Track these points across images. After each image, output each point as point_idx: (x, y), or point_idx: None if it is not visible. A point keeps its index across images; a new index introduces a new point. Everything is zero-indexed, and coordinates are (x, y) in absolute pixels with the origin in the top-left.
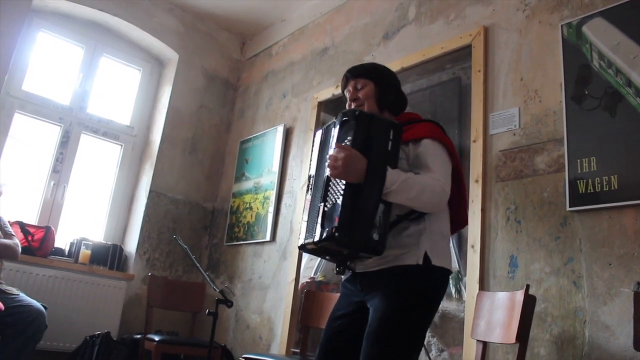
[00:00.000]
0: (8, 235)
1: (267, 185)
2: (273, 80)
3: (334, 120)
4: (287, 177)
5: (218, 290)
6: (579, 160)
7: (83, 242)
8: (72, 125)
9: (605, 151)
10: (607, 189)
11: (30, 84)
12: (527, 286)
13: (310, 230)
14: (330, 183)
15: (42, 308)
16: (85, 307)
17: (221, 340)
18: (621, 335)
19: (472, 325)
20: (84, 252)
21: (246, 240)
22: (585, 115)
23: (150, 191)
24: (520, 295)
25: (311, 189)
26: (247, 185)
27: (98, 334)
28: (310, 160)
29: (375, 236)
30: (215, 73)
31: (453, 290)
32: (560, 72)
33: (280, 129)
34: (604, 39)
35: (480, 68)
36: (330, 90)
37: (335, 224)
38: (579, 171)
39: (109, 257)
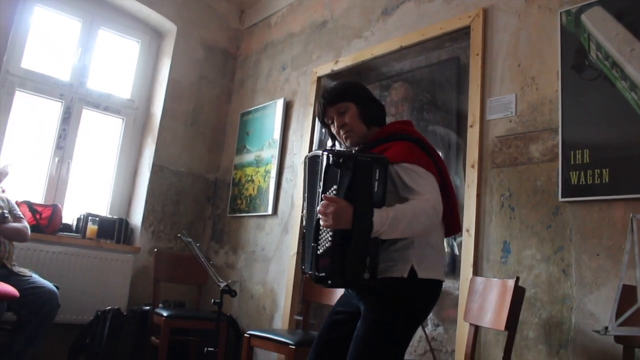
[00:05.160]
0: (18, 218)
1: (267, 158)
2: (272, 52)
3: (322, 152)
4: (288, 151)
5: (222, 286)
6: (572, 152)
7: (89, 217)
8: (73, 101)
9: (598, 144)
10: (599, 182)
11: (29, 61)
12: (517, 278)
13: (307, 261)
14: (321, 225)
15: (54, 288)
16: (95, 281)
17: (227, 310)
18: (605, 323)
19: (465, 308)
20: (91, 227)
21: (249, 213)
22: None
23: (153, 165)
24: (510, 285)
25: (305, 202)
26: (249, 157)
27: (109, 308)
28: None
29: (366, 275)
30: (214, 43)
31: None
32: (557, 61)
33: (280, 103)
34: (602, 29)
35: (478, 51)
36: (329, 65)
37: (327, 272)
38: (572, 162)
39: (115, 231)
